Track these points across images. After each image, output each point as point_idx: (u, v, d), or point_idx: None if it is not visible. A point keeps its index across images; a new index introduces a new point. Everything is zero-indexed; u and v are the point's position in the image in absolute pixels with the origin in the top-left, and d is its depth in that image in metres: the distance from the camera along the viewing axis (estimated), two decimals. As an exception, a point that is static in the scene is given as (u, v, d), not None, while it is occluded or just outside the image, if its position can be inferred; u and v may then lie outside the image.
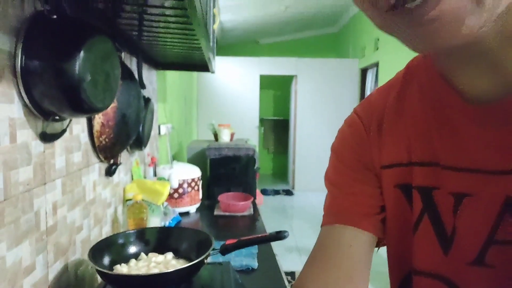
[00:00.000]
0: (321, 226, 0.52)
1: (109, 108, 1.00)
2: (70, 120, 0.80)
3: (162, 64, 1.76)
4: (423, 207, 0.43)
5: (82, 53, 0.64)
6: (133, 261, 0.85)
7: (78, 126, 0.89)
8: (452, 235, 0.41)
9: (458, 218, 0.40)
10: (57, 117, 0.72)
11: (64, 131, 0.77)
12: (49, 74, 0.63)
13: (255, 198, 2.05)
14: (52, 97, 0.65)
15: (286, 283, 1.10)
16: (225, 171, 2.25)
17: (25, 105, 0.64)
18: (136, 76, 1.22)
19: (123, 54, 1.20)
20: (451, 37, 0.29)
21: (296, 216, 4.53)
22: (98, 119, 0.97)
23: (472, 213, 0.39)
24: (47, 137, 0.72)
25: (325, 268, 0.46)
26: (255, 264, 1.17)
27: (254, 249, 1.26)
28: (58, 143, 0.78)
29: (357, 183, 0.49)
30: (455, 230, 0.41)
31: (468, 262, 0.40)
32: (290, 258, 3.13)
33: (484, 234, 0.38)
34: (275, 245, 1.36)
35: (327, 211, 0.52)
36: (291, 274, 2.78)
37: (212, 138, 2.93)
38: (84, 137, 0.93)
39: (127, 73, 1.13)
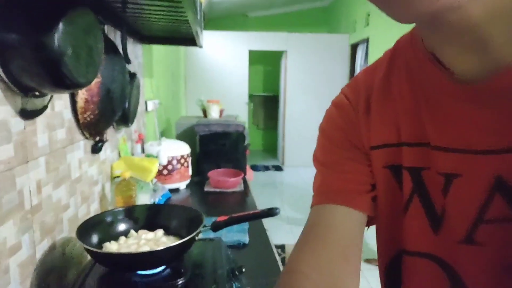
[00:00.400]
0: (311, 207, 0.51)
1: (93, 84, 0.97)
2: (52, 96, 0.77)
3: (148, 37, 1.70)
4: (413, 188, 0.43)
5: (61, 26, 0.60)
6: (122, 238, 0.85)
7: (60, 102, 0.86)
8: (442, 214, 0.41)
9: (448, 198, 0.40)
10: (37, 93, 0.69)
11: (45, 107, 0.74)
12: (28, 48, 0.59)
13: (245, 174, 2.05)
14: (31, 72, 0.62)
15: (277, 256, 1.12)
16: (215, 147, 2.24)
17: (1, 80, 0.61)
18: (121, 50, 1.17)
19: (106, 27, 1.15)
20: (430, 2, 0.29)
21: (286, 191, 4.59)
22: (82, 95, 0.94)
23: (461, 193, 0.39)
24: (28, 114, 0.69)
25: (318, 249, 0.45)
26: (246, 239, 1.18)
27: (245, 225, 1.27)
28: (40, 120, 0.75)
29: (348, 161, 0.49)
30: (444, 210, 0.41)
31: (458, 241, 0.40)
32: (280, 231, 3.19)
33: (473, 213, 0.38)
34: (266, 220, 1.37)
35: (317, 191, 0.51)
36: (281, 247, 2.85)
37: (201, 114, 2.89)
38: (68, 113, 0.90)
39: (111, 47, 1.09)
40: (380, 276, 0.52)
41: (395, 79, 0.46)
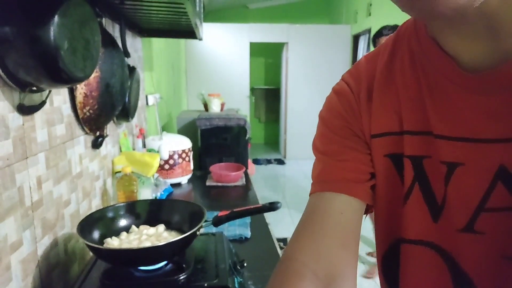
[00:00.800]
0: (310, 194, 0.51)
1: (91, 78, 0.96)
2: (50, 91, 0.76)
3: (147, 30, 1.69)
4: (414, 176, 0.43)
5: (57, 18, 0.59)
6: (124, 234, 0.84)
7: (59, 98, 0.85)
8: (443, 203, 0.41)
9: (449, 186, 0.40)
10: (34, 88, 0.68)
11: (43, 102, 0.73)
12: (23, 42, 0.58)
13: (247, 168, 2.05)
14: (27, 66, 0.61)
15: (279, 250, 1.12)
16: (217, 141, 2.23)
17: (-3, 75, 0.60)
18: (120, 43, 1.16)
19: (104, 20, 1.14)
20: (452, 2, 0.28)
21: (288, 184, 4.59)
22: (81, 89, 0.93)
23: (464, 181, 0.39)
24: (25, 110, 0.68)
25: (317, 237, 0.45)
26: (248, 233, 1.18)
27: (247, 219, 1.27)
28: (39, 115, 0.74)
29: (347, 150, 0.48)
30: (445, 199, 0.41)
31: (458, 229, 0.40)
32: (282, 225, 3.19)
33: (475, 202, 0.38)
34: (268, 213, 1.37)
35: (316, 179, 0.50)
36: (283, 240, 2.85)
37: (202, 108, 2.88)
38: (67, 108, 0.89)
39: (109, 40, 1.07)
40: (377, 264, 0.52)
41: (397, 66, 0.45)
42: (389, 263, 0.49)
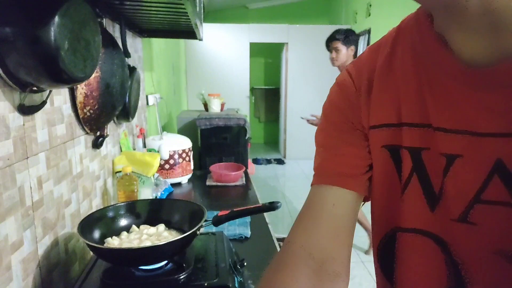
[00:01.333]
0: (311, 185, 0.53)
1: (92, 78, 0.96)
2: (50, 91, 0.76)
3: (147, 31, 1.69)
4: (413, 167, 0.44)
5: (57, 18, 0.60)
6: (124, 233, 0.85)
7: (59, 98, 0.85)
8: (440, 193, 0.42)
9: (447, 177, 0.41)
10: (35, 88, 0.68)
11: (44, 102, 0.73)
12: (23, 42, 0.58)
13: (247, 167, 2.05)
14: (28, 66, 0.61)
15: (279, 249, 1.12)
16: (217, 141, 2.23)
17: (-2, 75, 0.60)
18: (120, 44, 1.16)
19: (104, 21, 1.14)
20: None
21: (288, 184, 4.59)
22: (81, 89, 0.93)
23: (461, 173, 0.40)
24: (26, 110, 0.68)
25: (312, 226, 0.49)
26: (248, 232, 1.18)
27: (247, 218, 1.27)
28: (39, 115, 0.74)
29: (345, 144, 0.50)
30: (442, 189, 0.41)
31: (454, 219, 0.41)
32: (282, 224, 3.19)
33: (471, 193, 0.39)
34: (268, 213, 1.37)
35: (316, 171, 0.53)
36: (283, 240, 2.85)
37: (202, 108, 2.89)
38: (67, 108, 0.89)
39: (109, 41, 1.07)
40: (374, 253, 0.53)
41: (398, 59, 0.45)
42: (385, 252, 0.49)
